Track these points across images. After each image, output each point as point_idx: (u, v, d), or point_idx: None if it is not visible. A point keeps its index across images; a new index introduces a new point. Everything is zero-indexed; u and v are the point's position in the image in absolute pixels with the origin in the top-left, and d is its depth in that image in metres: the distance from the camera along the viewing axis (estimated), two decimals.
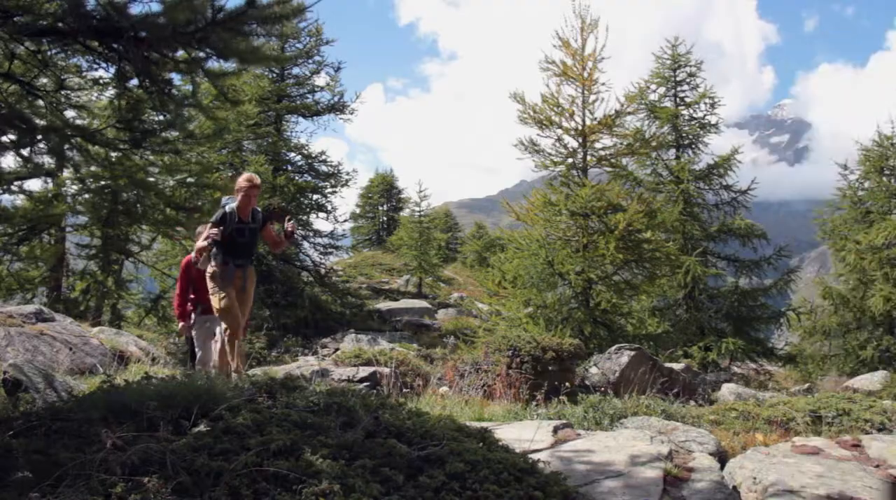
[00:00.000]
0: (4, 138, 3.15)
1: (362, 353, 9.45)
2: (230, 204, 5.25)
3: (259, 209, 5.42)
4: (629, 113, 11.79)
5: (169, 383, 2.55)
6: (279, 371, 8.05)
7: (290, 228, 5.36)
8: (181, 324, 6.33)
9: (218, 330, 6.20)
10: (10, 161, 3.77)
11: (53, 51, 3.14)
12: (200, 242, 5.26)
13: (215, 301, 5.20)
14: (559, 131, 11.68)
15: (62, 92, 3.74)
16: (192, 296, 6.24)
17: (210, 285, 5.29)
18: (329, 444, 2.12)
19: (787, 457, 3.27)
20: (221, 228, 5.13)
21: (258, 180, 5.33)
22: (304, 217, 18.04)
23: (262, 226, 5.40)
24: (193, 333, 6.12)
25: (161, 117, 3.63)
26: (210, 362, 6.20)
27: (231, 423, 2.16)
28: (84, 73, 4.04)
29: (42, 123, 3.26)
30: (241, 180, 5.25)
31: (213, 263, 5.30)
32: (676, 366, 8.42)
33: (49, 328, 7.01)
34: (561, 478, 2.34)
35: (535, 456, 2.58)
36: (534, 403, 5.53)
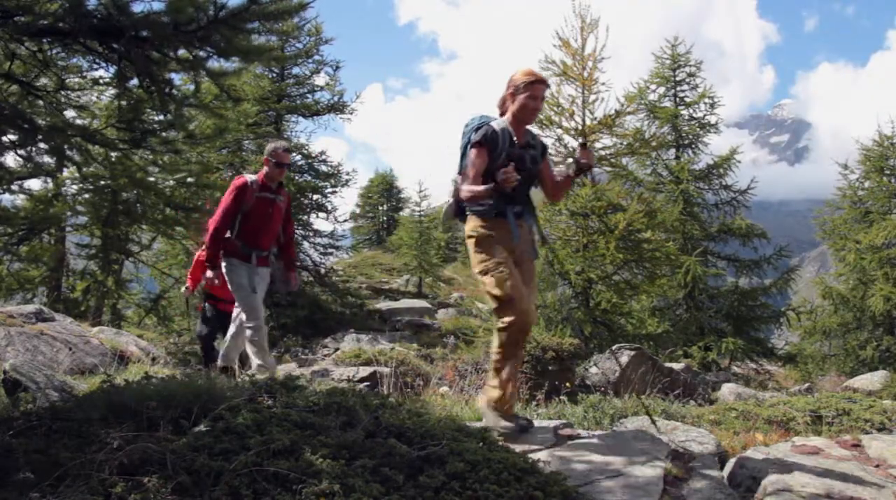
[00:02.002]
0: (5, 138, 3.15)
1: (362, 353, 9.46)
2: (496, 121, 3.33)
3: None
4: (629, 113, 11.79)
5: (169, 383, 2.55)
6: (280, 370, 8.06)
7: (583, 158, 3.40)
8: (208, 274, 4.67)
9: (242, 321, 4.65)
10: (10, 161, 3.77)
11: (54, 51, 3.14)
12: (472, 188, 3.16)
13: (491, 284, 3.21)
14: (559, 131, 11.68)
15: (63, 92, 3.74)
16: (227, 235, 4.65)
17: (479, 257, 3.29)
18: (329, 444, 2.12)
19: (787, 457, 3.27)
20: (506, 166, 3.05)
21: (542, 75, 3.33)
22: (304, 217, 18.06)
23: (543, 155, 3.51)
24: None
25: (161, 117, 3.63)
26: (235, 359, 4.94)
27: (231, 423, 2.16)
28: (84, 74, 4.04)
29: (43, 122, 3.27)
30: (520, 75, 3.30)
31: (476, 217, 3.32)
32: (676, 366, 8.41)
33: (49, 328, 7.00)
34: (561, 478, 2.34)
35: (534, 456, 2.58)
36: (534, 403, 5.53)
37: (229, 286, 4.73)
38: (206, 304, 7.04)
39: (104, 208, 12.02)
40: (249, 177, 4.77)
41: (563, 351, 7.20)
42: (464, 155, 3.39)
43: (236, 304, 4.82)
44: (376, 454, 2.14)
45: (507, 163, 3.10)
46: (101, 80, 3.96)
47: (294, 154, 18.09)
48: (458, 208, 3.46)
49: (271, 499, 1.82)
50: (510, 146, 3.28)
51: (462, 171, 3.37)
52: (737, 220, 14.79)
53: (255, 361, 4.62)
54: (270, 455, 1.99)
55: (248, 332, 4.63)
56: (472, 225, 3.34)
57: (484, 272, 3.26)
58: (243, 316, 4.71)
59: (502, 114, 3.39)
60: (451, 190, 3.46)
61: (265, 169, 4.78)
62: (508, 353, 3.23)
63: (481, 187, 3.14)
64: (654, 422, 3.01)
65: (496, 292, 3.19)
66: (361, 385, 6.22)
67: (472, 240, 3.32)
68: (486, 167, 3.23)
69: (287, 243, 5.11)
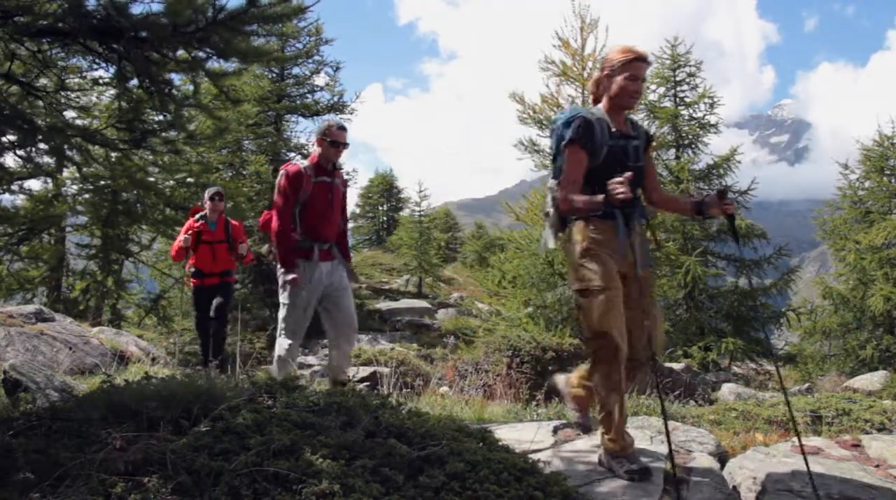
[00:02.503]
0: (5, 138, 3.15)
1: (362, 353, 9.46)
2: (588, 111, 2.87)
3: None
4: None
5: (169, 383, 2.55)
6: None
7: (713, 206, 2.89)
8: (290, 277, 3.98)
9: (283, 344, 4.04)
10: (10, 161, 3.77)
11: (54, 51, 3.14)
12: (575, 198, 2.74)
13: (587, 309, 2.77)
14: None
15: (62, 92, 3.75)
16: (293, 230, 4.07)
17: (581, 273, 2.80)
18: (329, 444, 2.12)
19: (787, 457, 3.28)
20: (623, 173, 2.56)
21: (642, 51, 2.88)
22: None
23: (647, 146, 3.01)
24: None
25: (161, 117, 3.63)
26: (342, 369, 4.20)
27: (231, 423, 2.16)
28: (84, 74, 4.05)
29: (43, 123, 3.27)
30: (617, 53, 2.87)
31: (579, 222, 2.85)
32: (676, 366, 8.42)
33: (49, 328, 7.01)
34: (561, 478, 2.34)
35: (535, 456, 2.58)
36: (534, 403, 5.53)
37: (281, 291, 4.10)
38: (193, 282, 6.93)
39: (104, 208, 12.04)
40: (302, 163, 4.19)
41: (563, 351, 7.21)
42: (555, 157, 2.96)
43: (281, 311, 4.18)
44: (376, 454, 2.14)
45: (610, 160, 2.71)
46: (101, 81, 3.96)
47: (294, 155, 18.10)
48: (560, 219, 2.96)
49: (271, 499, 1.82)
50: (609, 138, 2.81)
51: (558, 176, 2.90)
52: (736, 220, 14.77)
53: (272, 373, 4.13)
54: (270, 455, 1.99)
55: (276, 355, 4.14)
56: (574, 231, 2.86)
57: (582, 292, 2.80)
58: (282, 330, 4.12)
59: (597, 100, 2.95)
60: (548, 200, 2.99)
61: (318, 150, 4.20)
62: (606, 387, 2.76)
63: (586, 198, 2.69)
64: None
65: (589, 322, 2.76)
66: (361, 385, 6.22)
67: (577, 249, 2.82)
68: (588, 167, 2.77)
69: (343, 233, 4.48)
